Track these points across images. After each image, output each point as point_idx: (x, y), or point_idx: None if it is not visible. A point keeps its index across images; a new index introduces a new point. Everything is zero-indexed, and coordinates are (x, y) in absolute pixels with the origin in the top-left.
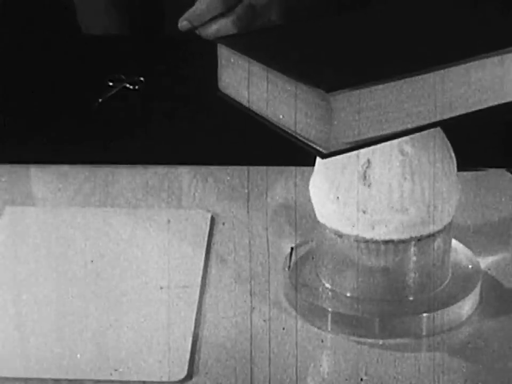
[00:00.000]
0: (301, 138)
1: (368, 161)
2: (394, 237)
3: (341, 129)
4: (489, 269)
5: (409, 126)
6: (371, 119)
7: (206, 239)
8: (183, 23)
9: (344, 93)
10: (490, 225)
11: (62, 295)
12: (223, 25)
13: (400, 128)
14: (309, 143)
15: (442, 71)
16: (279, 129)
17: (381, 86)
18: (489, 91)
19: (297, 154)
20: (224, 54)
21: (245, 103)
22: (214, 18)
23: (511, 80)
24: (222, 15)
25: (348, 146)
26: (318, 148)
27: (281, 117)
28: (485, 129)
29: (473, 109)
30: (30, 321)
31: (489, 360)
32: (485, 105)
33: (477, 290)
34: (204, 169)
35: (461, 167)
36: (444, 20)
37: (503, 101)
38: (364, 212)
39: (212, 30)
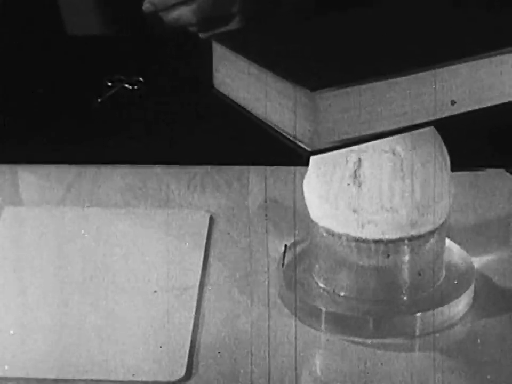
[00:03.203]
0: (288, 136)
1: (359, 160)
2: (384, 236)
3: (326, 127)
4: (483, 269)
5: (397, 126)
6: (357, 118)
7: (204, 239)
8: (146, 6)
9: (329, 92)
10: (486, 225)
11: (60, 295)
12: (184, 13)
13: (387, 128)
14: (295, 141)
15: (430, 71)
16: (269, 127)
17: (367, 86)
18: (480, 92)
19: (296, 154)
20: (218, 51)
21: (236, 100)
22: (177, 5)
23: (504, 81)
24: (184, 2)
25: (334, 144)
26: (303, 146)
27: (270, 114)
28: (484, 129)
29: (464, 110)
30: (27, 321)
31: (483, 360)
32: (476, 107)
33: (470, 290)
34: (202, 169)
35: (460, 167)
36: (434, 20)
37: (496, 103)
38: (354, 211)
39: (173, 16)
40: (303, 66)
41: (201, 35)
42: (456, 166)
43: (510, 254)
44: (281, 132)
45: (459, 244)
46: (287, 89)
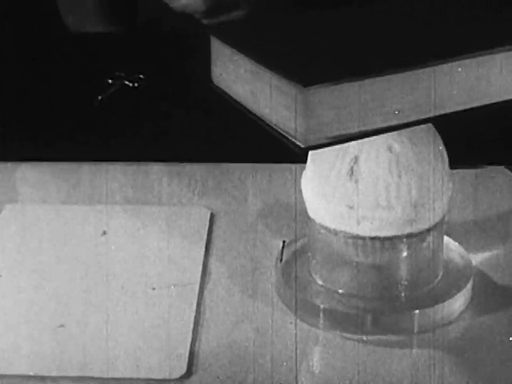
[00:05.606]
0: (282, 132)
1: (356, 157)
2: (380, 233)
3: (319, 123)
4: (481, 266)
5: (391, 123)
6: (351, 115)
7: (205, 236)
8: None
9: (322, 88)
10: (485, 222)
11: (60, 293)
12: (193, 0)
13: (381, 124)
14: (289, 137)
15: (424, 69)
16: (264, 123)
17: (360, 82)
18: (475, 90)
19: (290, 150)
20: (216, 46)
21: (233, 95)
22: None
23: (503, 79)
24: None
25: (328, 141)
26: (296, 141)
27: (265, 110)
28: (483, 126)
29: (460, 108)
30: (27, 318)
31: (481, 357)
32: (471, 105)
33: (468, 287)
34: (203, 166)
35: (459, 164)
36: (430, 17)
37: (494, 100)
38: (350, 208)
39: (181, 3)
40: (297, 62)
41: (204, 21)
42: (456, 162)
43: (508, 251)
44: (276, 127)
45: (457, 241)
46: (281, 84)
